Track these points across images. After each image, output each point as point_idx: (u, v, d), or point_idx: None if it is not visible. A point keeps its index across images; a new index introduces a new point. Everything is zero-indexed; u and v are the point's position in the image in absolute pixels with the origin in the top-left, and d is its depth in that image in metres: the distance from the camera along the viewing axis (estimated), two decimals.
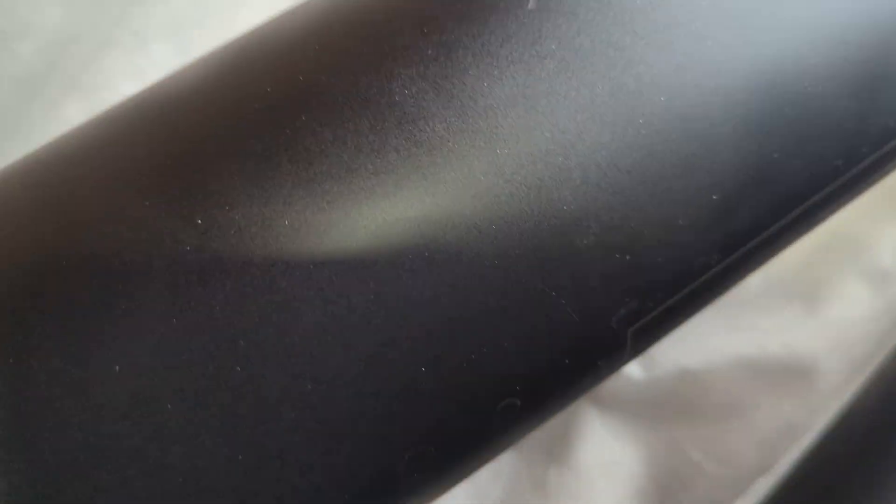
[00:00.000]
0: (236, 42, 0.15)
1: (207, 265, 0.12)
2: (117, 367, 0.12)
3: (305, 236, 0.12)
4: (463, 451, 0.15)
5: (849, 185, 0.17)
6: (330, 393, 0.12)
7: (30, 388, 0.12)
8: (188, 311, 0.12)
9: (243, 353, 0.12)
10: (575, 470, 0.24)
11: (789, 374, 0.24)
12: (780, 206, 0.16)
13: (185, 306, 0.12)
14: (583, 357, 0.15)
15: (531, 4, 0.14)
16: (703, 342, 0.24)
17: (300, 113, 0.13)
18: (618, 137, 0.14)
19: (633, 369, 0.24)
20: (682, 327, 0.22)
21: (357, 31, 0.14)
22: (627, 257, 0.14)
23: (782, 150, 0.15)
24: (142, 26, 0.25)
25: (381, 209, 0.12)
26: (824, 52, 0.15)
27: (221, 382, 0.12)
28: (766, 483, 0.22)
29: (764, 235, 0.16)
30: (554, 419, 0.23)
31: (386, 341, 0.12)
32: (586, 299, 0.14)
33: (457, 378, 0.13)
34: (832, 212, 0.18)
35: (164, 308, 0.12)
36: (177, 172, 0.13)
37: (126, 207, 0.13)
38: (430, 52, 0.13)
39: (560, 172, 0.13)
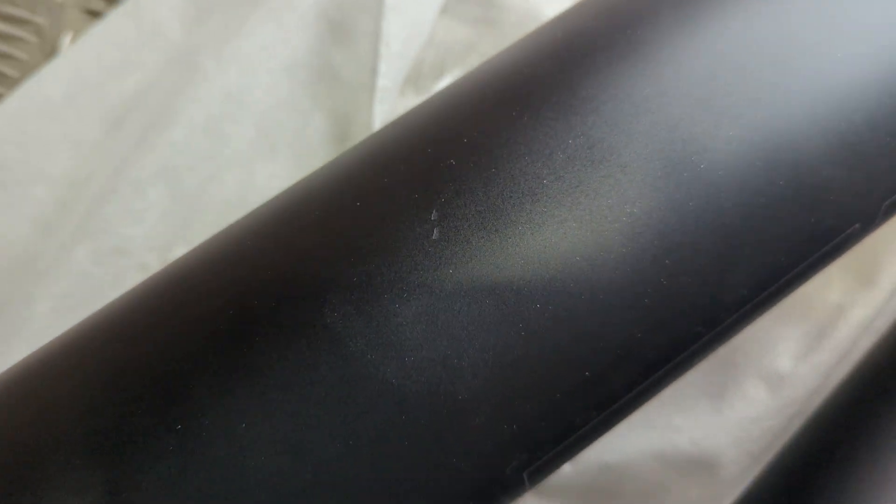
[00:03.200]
0: (198, 256, 0.19)
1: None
2: None
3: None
4: None
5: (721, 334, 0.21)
6: None
7: None
8: None
9: None
10: None
11: (696, 465, 0.27)
12: (641, 373, 0.19)
13: None
14: (487, 495, 0.19)
15: (435, 235, 0.18)
16: (622, 438, 0.27)
17: (254, 336, 0.17)
18: (500, 340, 0.17)
19: (563, 466, 0.28)
20: None
21: (295, 255, 0.18)
22: (515, 426, 0.18)
23: (647, 320, 0.19)
24: (138, 174, 0.29)
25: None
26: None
27: None
28: None
29: (632, 394, 0.20)
30: None
31: None
32: (482, 461, 0.18)
33: None
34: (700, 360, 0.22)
35: None
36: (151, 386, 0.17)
37: None
38: (354, 279, 0.17)
39: (455, 373, 0.17)
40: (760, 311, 0.21)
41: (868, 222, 0.20)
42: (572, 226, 0.18)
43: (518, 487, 0.19)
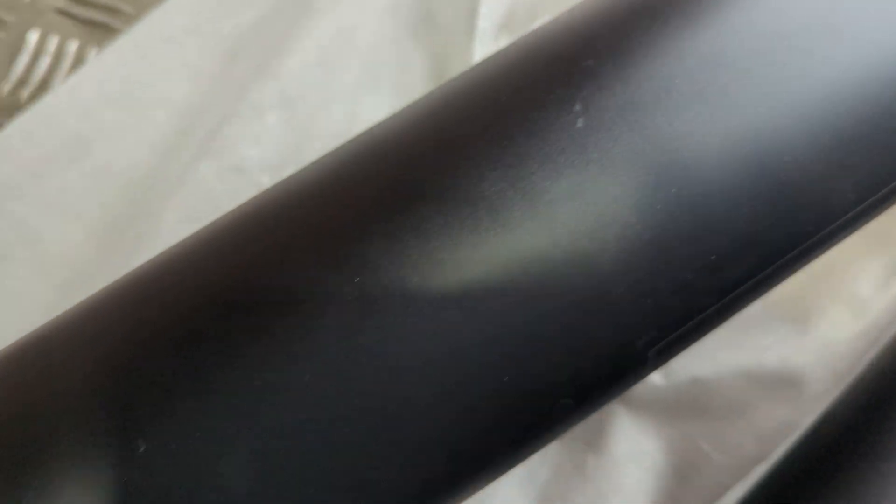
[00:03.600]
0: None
1: None
2: None
3: None
4: (526, 440, 0.21)
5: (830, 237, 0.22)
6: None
7: None
8: None
9: None
10: (608, 457, 0.29)
11: (783, 382, 0.29)
12: (760, 263, 0.21)
13: None
14: (618, 369, 0.21)
15: (580, 124, 0.19)
16: (712, 356, 0.29)
17: (421, 199, 0.19)
18: (641, 218, 0.19)
19: (655, 377, 0.29)
20: (693, 346, 0.27)
21: (458, 139, 0.20)
22: (648, 301, 0.20)
23: (769, 215, 0.20)
24: (257, 100, 0.31)
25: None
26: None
27: None
28: (762, 469, 0.27)
29: (750, 284, 0.21)
30: (591, 421, 0.29)
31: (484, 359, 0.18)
32: (619, 331, 0.20)
33: (530, 383, 0.19)
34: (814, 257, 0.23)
35: None
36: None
37: None
38: (508, 160, 0.19)
39: (600, 245, 0.19)
40: (865, 218, 0.23)
41: None
42: (703, 119, 0.20)
43: (643, 367, 0.21)
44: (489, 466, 0.20)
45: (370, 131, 0.21)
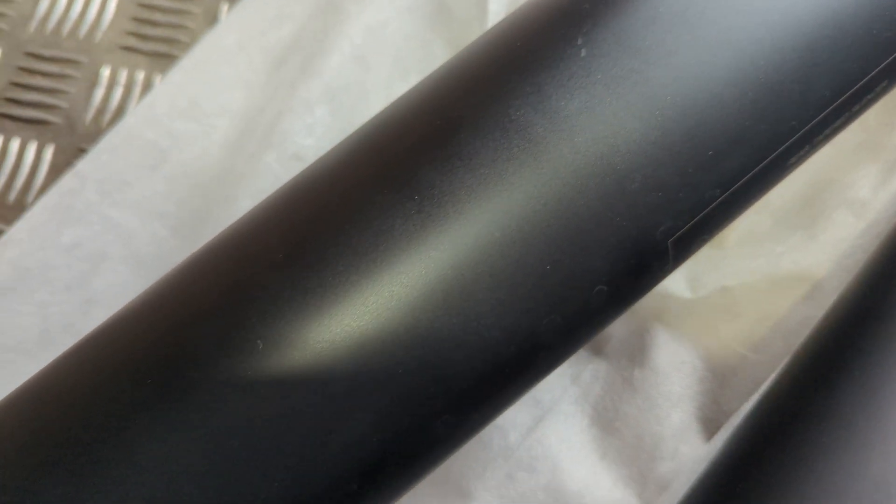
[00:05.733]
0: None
1: None
2: None
3: None
4: (570, 329, 0.24)
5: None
6: None
7: None
8: None
9: None
10: (652, 369, 0.32)
11: (800, 282, 0.32)
12: (753, 158, 0.24)
13: None
14: (643, 258, 0.24)
15: (583, 54, 0.23)
16: (734, 266, 0.32)
17: (459, 135, 0.23)
18: (644, 123, 0.23)
19: (686, 292, 0.33)
20: (717, 256, 0.30)
21: (485, 78, 0.24)
22: (660, 194, 0.23)
23: (754, 113, 0.24)
24: (306, 96, 0.35)
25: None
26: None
27: None
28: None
29: (747, 178, 0.25)
30: (632, 337, 0.32)
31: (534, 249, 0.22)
32: (639, 222, 0.23)
33: (568, 269, 0.22)
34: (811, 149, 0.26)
35: None
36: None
37: None
38: (528, 88, 0.23)
39: (613, 148, 0.22)
40: (844, 116, 0.26)
41: None
42: (687, 37, 0.23)
43: (665, 257, 0.24)
44: (543, 354, 0.24)
45: (416, 86, 0.25)
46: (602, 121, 0.23)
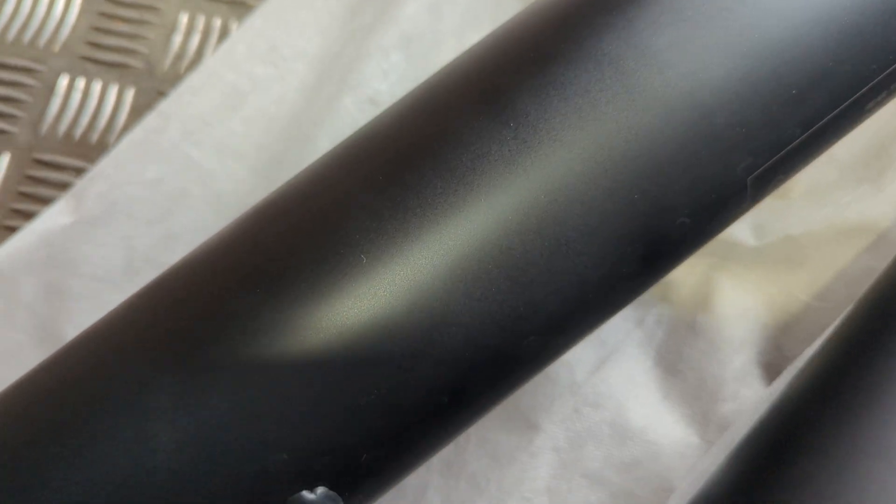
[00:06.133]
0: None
1: None
2: None
3: None
4: (652, 257, 0.25)
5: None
6: None
7: None
8: None
9: None
10: (715, 315, 0.33)
11: (864, 232, 0.32)
12: (835, 98, 0.25)
13: None
14: (723, 192, 0.24)
15: None
16: (799, 215, 0.33)
17: (553, 58, 0.23)
18: (731, 60, 0.23)
19: (750, 240, 0.33)
20: (782, 205, 0.31)
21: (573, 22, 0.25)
22: (744, 130, 0.24)
23: (838, 54, 0.24)
24: (381, 42, 0.36)
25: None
26: None
27: None
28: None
29: (829, 119, 0.25)
30: (696, 283, 0.33)
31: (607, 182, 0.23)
32: (723, 155, 0.24)
33: (655, 198, 0.23)
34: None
35: None
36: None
37: None
38: (620, 23, 0.24)
39: (701, 83, 0.23)
40: None
41: None
42: None
43: (743, 194, 0.25)
44: (624, 283, 0.25)
45: (508, 22, 0.26)
46: (691, 57, 0.23)
